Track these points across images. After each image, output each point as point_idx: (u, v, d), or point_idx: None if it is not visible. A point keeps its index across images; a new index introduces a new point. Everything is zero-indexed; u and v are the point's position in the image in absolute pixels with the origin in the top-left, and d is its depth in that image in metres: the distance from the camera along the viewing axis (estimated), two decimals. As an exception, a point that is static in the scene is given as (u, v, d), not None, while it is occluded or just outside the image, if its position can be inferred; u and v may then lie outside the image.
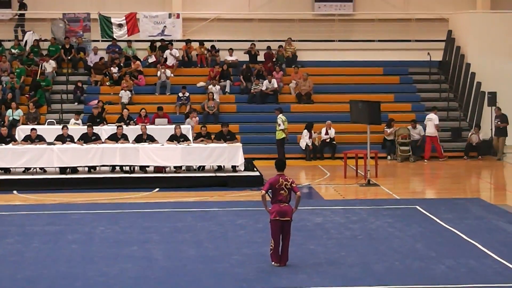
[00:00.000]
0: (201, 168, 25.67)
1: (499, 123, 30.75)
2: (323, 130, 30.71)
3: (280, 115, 28.50)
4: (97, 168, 25.35)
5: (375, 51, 36.04)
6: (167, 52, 34.90)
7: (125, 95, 32.30)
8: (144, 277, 14.14)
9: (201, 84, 33.95)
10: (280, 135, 28.43)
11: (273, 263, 14.68)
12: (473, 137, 31.01)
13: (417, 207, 20.54)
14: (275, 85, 33.43)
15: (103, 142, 25.35)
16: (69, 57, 34.77)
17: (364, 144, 26.17)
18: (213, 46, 35.30)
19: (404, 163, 29.81)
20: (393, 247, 16.34)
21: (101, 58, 34.41)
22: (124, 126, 26.91)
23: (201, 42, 35.44)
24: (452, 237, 17.28)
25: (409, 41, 36.45)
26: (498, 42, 33.93)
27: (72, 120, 28.75)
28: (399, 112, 32.23)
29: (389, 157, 30.76)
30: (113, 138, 25.55)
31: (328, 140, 30.65)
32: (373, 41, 36.42)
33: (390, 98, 33.50)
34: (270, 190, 14.73)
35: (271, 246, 14.73)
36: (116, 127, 26.19)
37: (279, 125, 28.35)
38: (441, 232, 17.77)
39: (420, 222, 18.72)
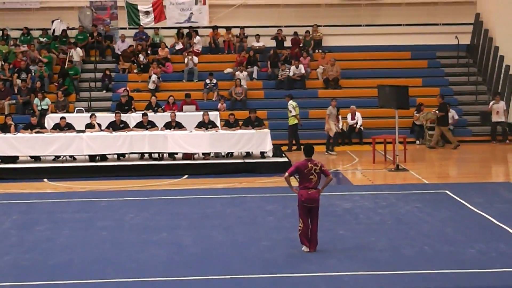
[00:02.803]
0: (230, 155, 25.71)
1: (436, 112, 29.58)
2: (349, 116, 30.64)
3: (291, 101, 28.55)
4: (126, 155, 25.47)
5: (403, 35, 35.82)
6: (198, 38, 34.97)
7: (154, 79, 32.37)
8: (173, 262, 14.21)
9: (228, 70, 33.98)
10: (292, 121, 28.45)
11: (303, 247, 14.67)
12: (494, 107, 30.60)
13: (447, 191, 20.46)
14: (302, 71, 33.38)
15: (131, 130, 25.45)
16: (96, 45, 34.91)
17: (392, 129, 26.06)
18: (241, 31, 35.26)
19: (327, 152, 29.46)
20: (422, 231, 16.29)
21: (130, 46, 34.51)
22: (152, 113, 27.02)
23: (228, 28, 35.45)
24: (482, 221, 17.20)
25: (437, 24, 36.19)
26: (526, 25, 33.63)
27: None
28: (427, 97, 32.04)
29: (417, 142, 30.64)
30: (140, 125, 25.64)
31: (354, 126, 30.58)
32: (400, 25, 36.20)
33: (418, 83, 33.35)
34: (297, 174, 14.72)
35: (300, 226, 14.70)
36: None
37: (290, 111, 28.37)
38: (471, 216, 17.70)
39: (450, 207, 18.65)
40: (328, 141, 28.21)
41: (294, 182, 15.66)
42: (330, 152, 27.95)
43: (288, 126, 28.68)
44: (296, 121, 28.55)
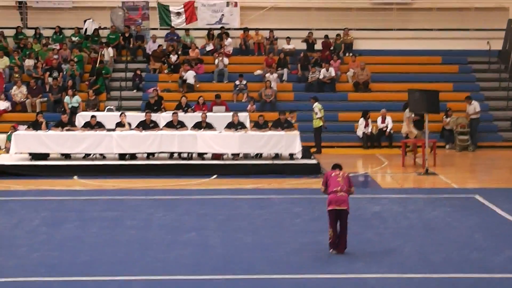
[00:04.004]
0: (259, 156, 25.72)
1: (413, 115, 28.57)
2: (379, 119, 30.56)
3: (316, 103, 28.52)
4: (156, 154, 25.56)
5: (434, 40, 35.68)
6: (229, 40, 35.08)
7: (190, 75, 32.54)
8: (200, 263, 14.24)
9: (258, 72, 34.00)
10: (317, 123, 28.41)
11: (331, 250, 14.68)
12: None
13: (476, 196, 20.34)
14: (333, 74, 33.34)
15: (161, 129, 25.53)
16: (128, 45, 35.08)
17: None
18: (270, 33, 35.29)
19: (463, 152, 29.50)
20: (450, 237, 16.22)
21: (159, 46, 34.64)
22: (182, 114, 27.09)
23: (259, 30, 35.48)
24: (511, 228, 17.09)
25: (468, 30, 35.98)
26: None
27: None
28: (458, 102, 31.86)
29: (447, 146, 30.50)
30: (170, 125, 25.71)
31: (385, 129, 30.49)
32: (431, 30, 36.05)
33: (449, 87, 33.19)
34: (327, 181, 14.77)
35: (330, 235, 14.71)
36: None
37: (316, 113, 28.34)
38: (500, 222, 17.59)
39: (479, 212, 18.54)
40: (406, 145, 28.36)
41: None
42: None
43: (314, 129, 28.62)
44: (321, 123, 28.50)
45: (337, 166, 15.09)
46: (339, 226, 14.65)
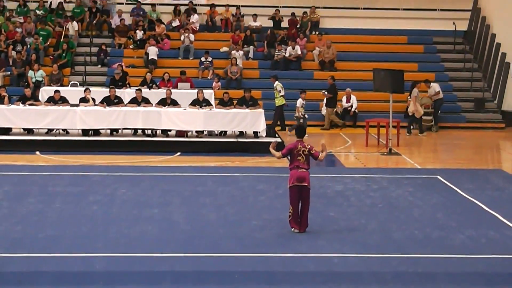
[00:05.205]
0: (223, 133, 25.71)
1: (325, 93, 29.54)
2: (344, 98, 30.62)
3: (277, 82, 28.45)
4: (119, 131, 25.45)
5: (400, 20, 35.79)
6: (195, 16, 34.90)
7: (153, 51, 32.38)
8: (164, 239, 14.23)
9: (225, 49, 33.92)
10: (281, 101, 28.33)
11: (292, 229, 14.72)
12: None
13: (438, 177, 20.50)
14: (299, 52, 33.34)
15: (125, 105, 25.40)
16: (93, 20, 34.79)
17: (386, 113, 26.08)
18: (237, 10, 35.17)
19: (426, 132, 29.67)
20: (413, 216, 16.35)
21: (121, 20, 34.36)
22: (147, 90, 26.98)
23: (227, 7, 35.34)
24: (473, 207, 17.25)
25: (434, 10, 36.13)
26: (524, 13, 33.60)
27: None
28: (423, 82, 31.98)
29: (411, 127, 30.61)
30: (134, 101, 25.59)
31: (349, 109, 30.56)
32: (398, 9, 36.17)
33: (414, 67, 33.35)
34: (288, 156, 14.76)
35: (290, 212, 14.76)
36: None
37: (280, 91, 28.25)
38: (462, 202, 17.75)
39: (441, 192, 18.70)
40: (411, 123, 28.48)
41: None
42: (420, 134, 28.92)
43: (276, 107, 28.53)
44: (284, 102, 28.45)
45: (300, 135, 14.95)
46: (301, 203, 14.68)
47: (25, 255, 13.20)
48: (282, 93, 28.37)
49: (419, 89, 29.46)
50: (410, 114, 28.81)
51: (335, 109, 29.86)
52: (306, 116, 27.88)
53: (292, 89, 30.05)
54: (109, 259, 13.07)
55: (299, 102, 27.61)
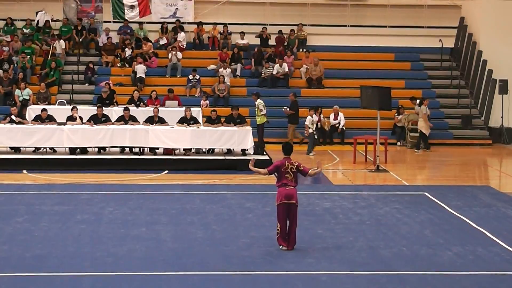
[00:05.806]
0: (211, 151, 25.70)
1: (287, 109, 29.26)
2: (332, 116, 30.67)
3: (259, 100, 28.38)
4: (107, 149, 25.40)
5: (387, 37, 35.92)
6: (182, 34, 34.93)
7: (140, 69, 32.39)
8: (151, 258, 14.18)
9: (212, 67, 33.96)
10: (262, 119, 28.22)
11: (280, 246, 14.70)
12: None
13: (426, 193, 20.53)
14: (286, 69, 33.40)
15: (112, 124, 25.37)
16: (80, 38, 34.78)
17: (373, 130, 26.12)
18: (224, 28, 35.22)
19: (414, 149, 29.70)
20: (401, 233, 16.35)
21: (108, 38, 34.38)
22: (134, 108, 26.97)
23: (213, 25, 35.39)
24: (460, 224, 17.27)
25: (421, 27, 36.27)
26: (510, 30, 33.75)
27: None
28: (410, 99, 32.08)
29: (398, 144, 30.72)
30: (122, 119, 25.56)
31: (337, 126, 30.61)
32: (385, 26, 36.28)
33: (401, 84, 33.45)
34: (276, 173, 14.75)
35: (278, 230, 14.76)
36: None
37: (261, 110, 28.18)
38: (449, 219, 17.77)
39: (429, 209, 18.71)
40: (420, 140, 28.83)
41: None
42: (425, 150, 29.19)
43: (258, 125, 28.32)
44: (265, 120, 28.36)
45: (287, 152, 14.86)
46: (289, 221, 14.67)
47: (12, 274, 13.13)
48: (264, 111, 28.29)
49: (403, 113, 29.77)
50: (419, 131, 29.23)
51: (295, 125, 29.55)
52: (314, 132, 27.89)
53: (279, 106, 30.07)
54: (97, 278, 13.02)
55: (308, 120, 27.64)
